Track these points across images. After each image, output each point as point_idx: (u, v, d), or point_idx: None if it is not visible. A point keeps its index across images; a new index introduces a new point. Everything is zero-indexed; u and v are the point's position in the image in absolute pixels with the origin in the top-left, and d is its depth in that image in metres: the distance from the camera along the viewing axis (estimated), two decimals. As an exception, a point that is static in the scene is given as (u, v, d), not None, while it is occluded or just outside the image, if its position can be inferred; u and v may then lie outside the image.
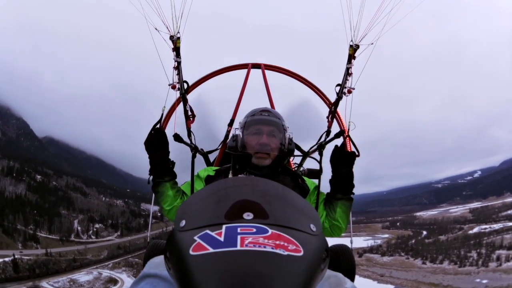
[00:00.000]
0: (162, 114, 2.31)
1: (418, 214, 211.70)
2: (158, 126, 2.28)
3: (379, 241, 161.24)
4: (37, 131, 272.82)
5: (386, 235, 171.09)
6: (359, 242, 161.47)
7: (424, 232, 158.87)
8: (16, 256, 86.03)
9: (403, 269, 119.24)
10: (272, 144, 2.25)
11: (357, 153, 2.21)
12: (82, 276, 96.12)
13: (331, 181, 2.24)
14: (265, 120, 2.31)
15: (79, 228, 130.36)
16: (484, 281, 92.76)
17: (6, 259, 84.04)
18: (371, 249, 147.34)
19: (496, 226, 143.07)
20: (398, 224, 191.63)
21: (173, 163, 2.31)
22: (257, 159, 2.24)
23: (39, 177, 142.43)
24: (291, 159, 3.06)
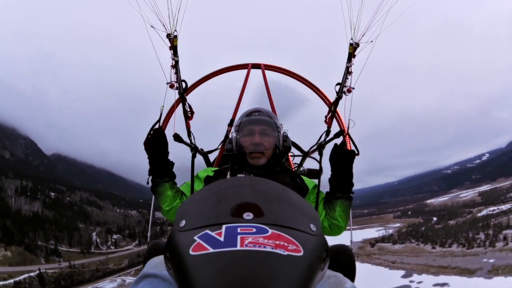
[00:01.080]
0: (161, 114, 2.27)
1: (429, 201, 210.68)
2: (157, 126, 2.25)
3: (390, 231, 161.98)
4: (44, 149, 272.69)
5: (398, 224, 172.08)
6: (371, 233, 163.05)
7: (434, 219, 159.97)
8: (41, 270, 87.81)
9: (414, 255, 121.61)
10: (265, 143, 2.25)
11: (356, 152, 2.17)
12: (107, 284, 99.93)
13: (330, 180, 2.22)
14: (256, 120, 2.31)
15: (98, 240, 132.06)
16: (491, 261, 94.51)
17: (31, 274, 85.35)
18: (382, 239, 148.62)
19: (504, 207, 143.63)
20: (409, 213, 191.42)
21: (172, 164, 2.31)
22: (252, 159, 2.24)
23: (52, 194, 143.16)
24: (291, 159, 3.11)
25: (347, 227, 2.27)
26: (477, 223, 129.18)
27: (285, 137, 2.36)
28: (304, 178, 2.36)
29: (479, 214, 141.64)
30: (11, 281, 79.11)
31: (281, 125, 2.39)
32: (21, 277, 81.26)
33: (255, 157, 2.22)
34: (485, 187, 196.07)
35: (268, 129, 2.28)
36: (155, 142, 2.21)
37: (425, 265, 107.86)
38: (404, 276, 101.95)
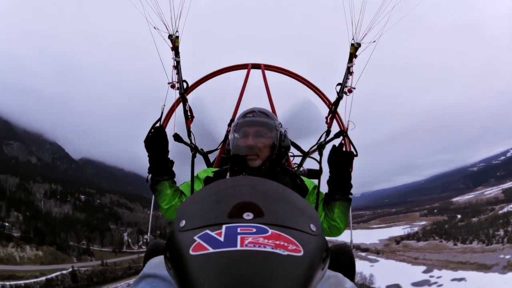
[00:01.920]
0: (162, 113, 2.28)
1: (454, 199, 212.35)
2: (158, 125, 2.26)
3: (416, 228, 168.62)
4: (72, 154, 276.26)
5: (423, 222, 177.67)
6: (397, 231, 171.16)
7: (459, 216, 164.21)
8: (74, 268, 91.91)
9: (436, 252, 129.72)
10: (260, 144, 2.22)
11: (355, 153, 2.16)
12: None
13: (328, 182, 2.21)
14: (250, 121, 2.29)
15: (129, 240, 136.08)
16: (507, 257, 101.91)
17: (64, 272, 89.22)
18: (408, 236, 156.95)
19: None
20: (435, 211, 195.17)
21: (172, 162, 2.31)
22: (248, 161, 2.22)
23: (83, 197, 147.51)
24: (290, 159, 3.09)
25: (347, 228, 2.33)
26: (498, 220, 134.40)
27: (283, 137, 2.30)
28: (304, 178, 2.36)
29: (500, 211, 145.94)
30: (43, 278, 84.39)
31: (279, 124, 2.35)
32: (53, 274, 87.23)
33: (251, 159, 2.21)
34: (508, 184, 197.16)
35: (262, 130, 2.26)
36: (156, 141, 2.22)
37: (445, 261, 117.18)
38: (425, 272, 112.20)
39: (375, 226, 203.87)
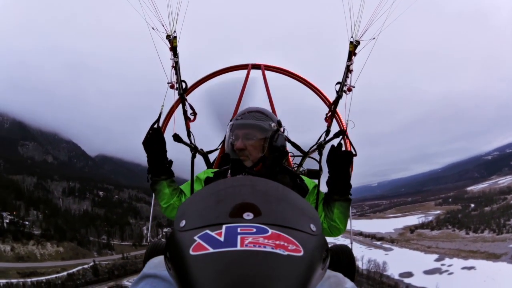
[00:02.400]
0: (161, 113, 2.30)
1: (469, 188, 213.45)
2: (156, 126, 2.27)
3: (430, 217, 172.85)
4: (88, 151, 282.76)
5: (438, 211, 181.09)
6: (412, 220, 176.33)
7: (472, 205, 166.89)
8: (95, 262, 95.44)
9: (449, 240, 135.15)
10: (249, 146, 2.21)
11: (354, 153, 2.16)
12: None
13: (328, 182, 2.21)
14: (240, 124, 2.28)
15: (149, 234, 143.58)
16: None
17: (85, 266, 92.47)
18: (422, 225, 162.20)
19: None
20: (450, 200, 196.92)
21: (170, 162, 2.34)
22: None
23: (101, 193, 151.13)
24: (291, 159, 3.09)
25: (347, 228, 2.29)
26: (509, 210, 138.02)
27: (276, 136, 2.23)
28: (304, 178, 2.34)
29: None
30: (64, 273, 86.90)
31: (273, 125, 2.27)
32: (74, 269, 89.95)
33: (243, 161, 2.21)
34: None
35: (251, 132, 2.23)
36: (153, 142, 2.25)
37: (457, 250, 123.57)
38: (436, 260, 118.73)
39: (390, 215, 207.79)
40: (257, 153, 2.21)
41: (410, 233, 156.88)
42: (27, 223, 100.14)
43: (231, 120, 2.49)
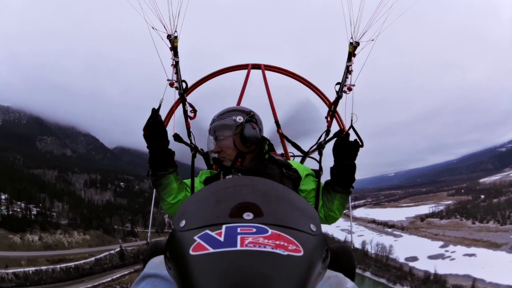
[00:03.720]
0: (160, 105, 2.20)
1: (482, 180, 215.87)
2: (156, 119, 2.14)
3: (441, 207, 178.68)
4: (107, 143, 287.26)
5: (449, 202, 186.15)
6: (424, 209, 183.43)
7: (482, 196, 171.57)
8: (122, 248, 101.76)
9: (455, 229, 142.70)
10: (223, 147, 2.21)
11: (360, 144, 2.13)
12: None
13: (332, 171, 2.19)
14: (210, 130, 2.30)
15: (170, 221, 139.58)
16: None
17: (112, 251, 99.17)
18: (432, 214, 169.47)
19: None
20: (462, 191, 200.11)
21: (173, 153, 2.22)
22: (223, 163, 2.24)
23: (122, 184, 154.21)
24: (289, 156, 3.07)
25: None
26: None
27: (242, 128, 2.18)
28: (296, 164, 2.29)
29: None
30: (92, 259, 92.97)
31: (238, 118, 2.21)
32: (101, 255, 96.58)
33: (224, 161, 2.22)
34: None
35: (220, 133, 2.23)
36: (154, 131, 2.11)
37: (462, 238, 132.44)
38: (441, 247, 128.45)
39: (404, 204, 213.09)
40: (232, 151, 2.20)
41: (420, 222, 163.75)
42: (54, 214, 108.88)
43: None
